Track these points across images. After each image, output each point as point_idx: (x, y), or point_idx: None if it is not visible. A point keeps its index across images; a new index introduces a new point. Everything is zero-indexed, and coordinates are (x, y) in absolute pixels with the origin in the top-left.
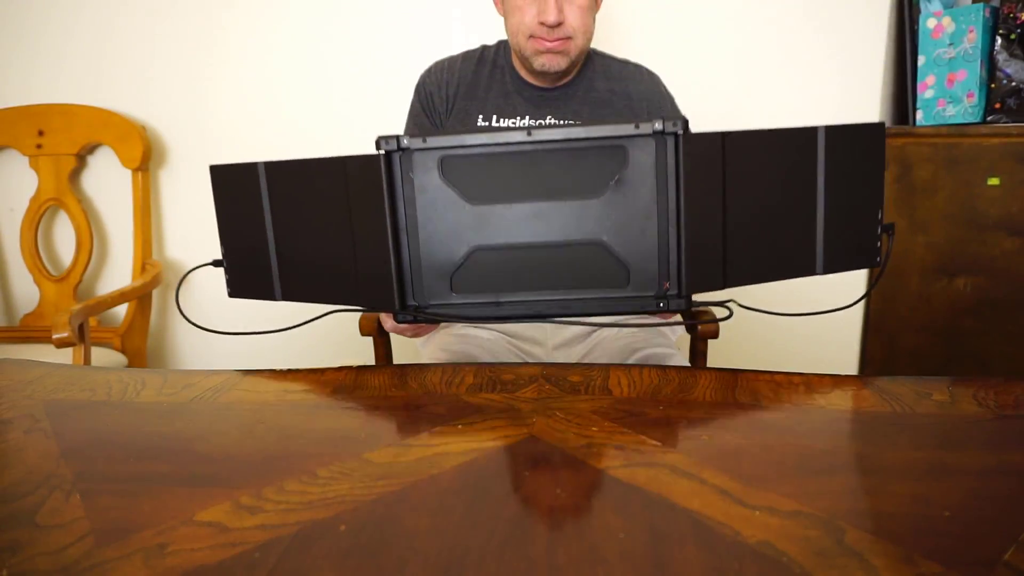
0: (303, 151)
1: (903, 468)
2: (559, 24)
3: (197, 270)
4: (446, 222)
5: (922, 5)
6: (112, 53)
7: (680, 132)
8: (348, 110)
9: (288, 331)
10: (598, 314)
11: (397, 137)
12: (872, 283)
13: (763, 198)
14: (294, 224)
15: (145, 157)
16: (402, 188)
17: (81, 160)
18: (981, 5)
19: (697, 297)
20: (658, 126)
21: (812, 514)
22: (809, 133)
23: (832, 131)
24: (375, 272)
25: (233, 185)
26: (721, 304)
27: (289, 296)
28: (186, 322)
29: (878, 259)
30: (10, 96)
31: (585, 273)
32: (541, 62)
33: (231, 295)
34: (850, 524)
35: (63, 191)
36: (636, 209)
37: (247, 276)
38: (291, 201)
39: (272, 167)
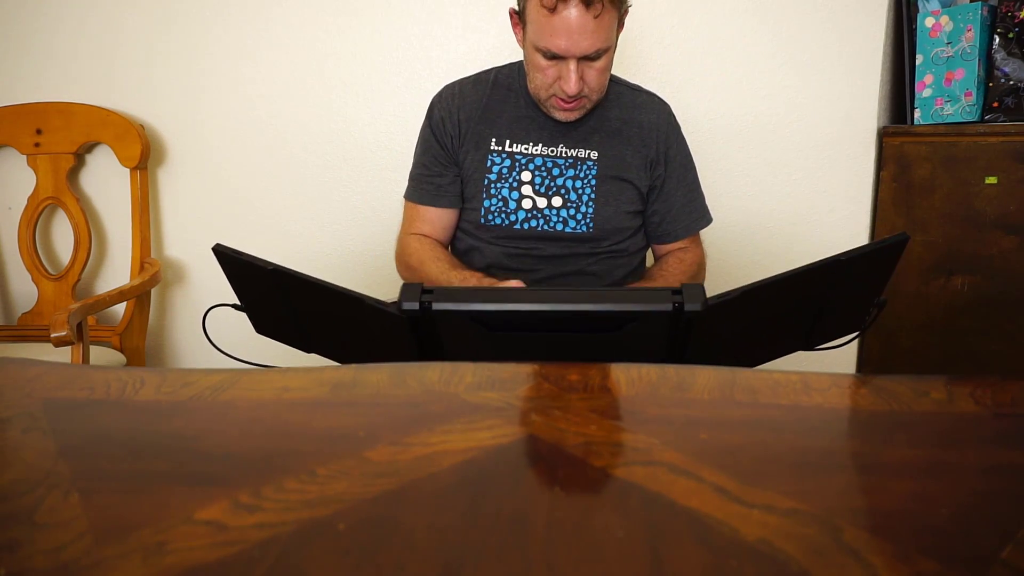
0: (303, 151)
1: (901, 466)
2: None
3: (217, 307)
4: (468, 343)
5: (920, 4)
6: (111, 52)
7: (700, 309)
8: (348, 110)
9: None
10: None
11: (421, 301)
12: (865, 326)
13: (772, 323)
14: (315, 318)
15: (144, 156)
16: (428, 333)
17: (79, 159)
18: (979, 4)
19: None
20: (676, 301)
21: (810, 512)
22: (832, 268)
23: (855, 259)
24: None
25: (240, 270)
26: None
27: (315, 351)
28: (186, 322)
29: (863, 325)
30: (8, 94)
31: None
32: (558, 116)
33: (257, 332)
34: (848, 522)
35: (61, 190)
36: (646, 345)
37: (272, 326)
38: (308, 303)
39: (282, 278)
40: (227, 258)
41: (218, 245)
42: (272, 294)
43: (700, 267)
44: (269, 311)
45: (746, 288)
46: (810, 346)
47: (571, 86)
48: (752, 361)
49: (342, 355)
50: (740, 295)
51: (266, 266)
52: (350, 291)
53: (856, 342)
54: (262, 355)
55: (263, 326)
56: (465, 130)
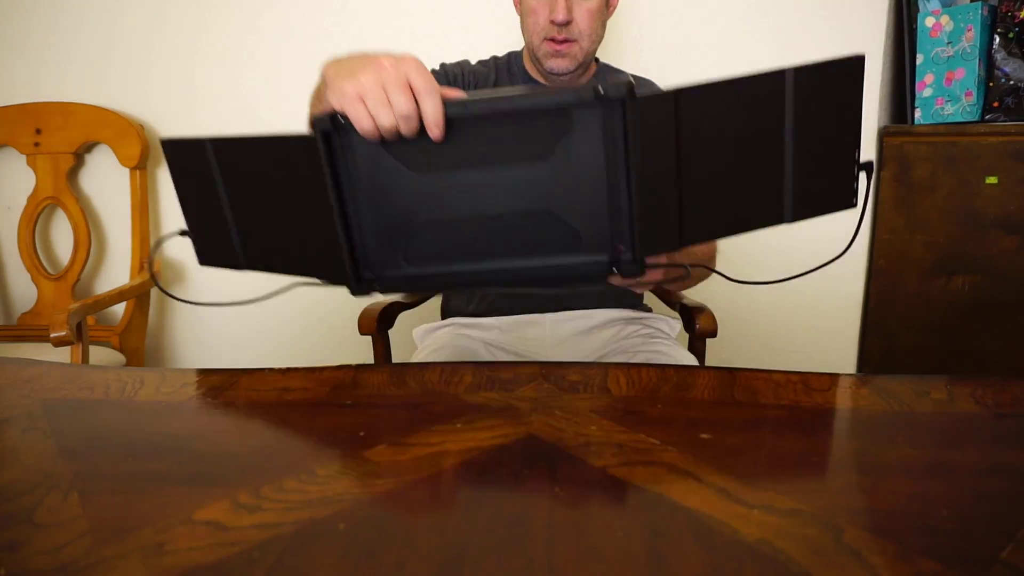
0: None
1: (901, 466)
2: (568, 23)
3: (171, 239)
4: (393, 194)
5: (920, 4)
6: (110, 51)
7: (624, 97)
8: None
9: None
10: (551, 282)
11: (332, 116)
12: (856, 228)
13: (723, 151)
14: (248, 197)
15: (143, 155)
16: (344, 164)
17: (79, 158)
18: (979, 4)
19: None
20: (600, 91)
21: (810, 512)
22: (776, 78)
23: (803, 73)
24: (328, 246)
25: (186, 159)
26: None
27: (253, 266)
28: (185, 322)
29: (854, 200)
30: (8, 94)
31: (537, 240)
32: (550, 65)
33: (201, 263)
34: (848, 522)
35: (61, 189)
36: (584, 174)
37: (212, 245)
38: (242, 176)
39: (220, 144)
40: (173, 146)
41: (165, 138)
42: (209, 186)
43: (710, 257)
44: (207, 216)
45: (680, 88)
46: (793, 216)
47: (560, 13)
48: (721, 229)
49: (280, 253)
50: (673, 93)
51: (204, 140)
52: (274, 135)
53: (856, 341)
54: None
55: (205, 247)
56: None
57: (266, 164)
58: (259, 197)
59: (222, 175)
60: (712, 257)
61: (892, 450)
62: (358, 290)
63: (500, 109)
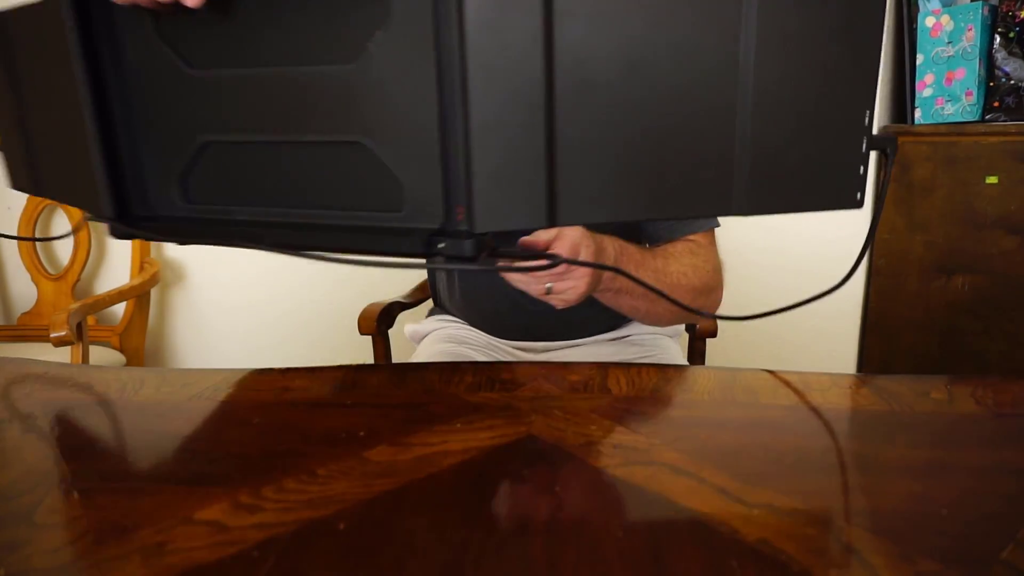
0: None
1: (901, 466)
2: None
3: None
4: (168, 98)
5: (920, 3)
6: None
7: None
8: None
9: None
10: (360, 250)
11: None
12: (864, 247)
13: (631, 78)
14: (24, 91)
15: None
16: (106, 48)
17: None
18: (980, 3)
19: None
20: None
21: (810, 512)
22: None
23: None
24: (86, 167)
25: None
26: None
27: (35, 190)
28: (185, 322)
29: (859, 196)
30: None
31: (348, 188)
32: None
33: (12, 186)
34: (848, 522)
35: None
36: (407, 93)
37: (14, 163)
38: (12, 62)
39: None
40: None
41: None
42: (9, 83)
43: (716, 270)
44: (8, 121)
45: None
46: (750, 207)
47: None
48: (618, 206)
49: (51, 186)
50: None
51: None
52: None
53: (856, 341)
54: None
55: (12, 166)
56: None
57: (29, 45)
58: (31, 92)
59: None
60: (695, 288)
61: (892, 450)
62: (118, 230)
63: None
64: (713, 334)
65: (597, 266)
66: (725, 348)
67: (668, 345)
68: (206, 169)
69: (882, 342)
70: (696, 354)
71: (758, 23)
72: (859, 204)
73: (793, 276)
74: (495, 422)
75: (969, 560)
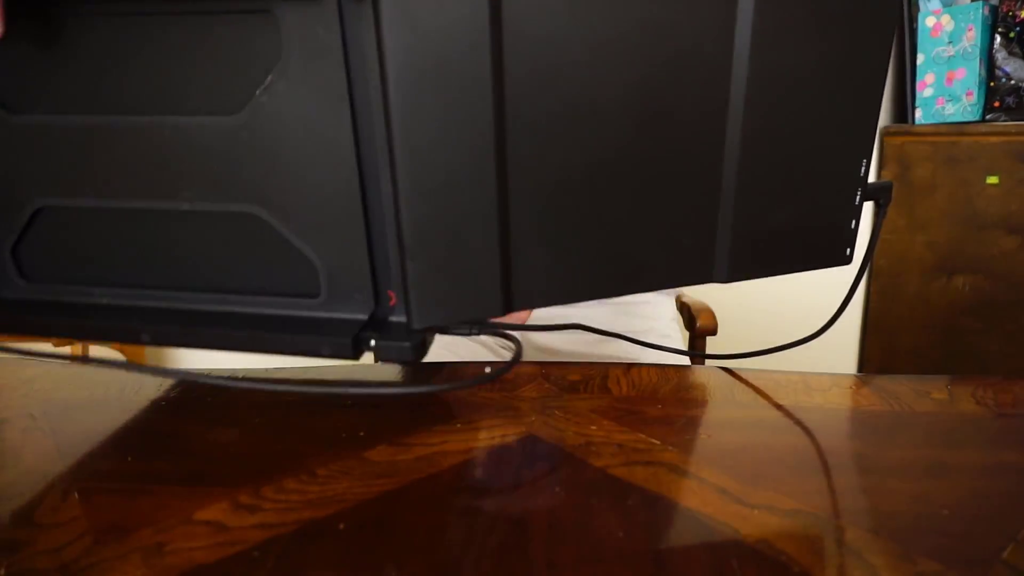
0: None
1: (902, 466)
2: None
3: None
4: None
5: (921, 3)
6: None
7: None
8: None
9: None
10: (266, 350)
11: None
12: (853, 285)
13: (596, 118)
14: None
15: None
16: None
17: None
18: (980, 3)
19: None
20: None
21: (811, 513)
22: None
23: None
24: None
25: None
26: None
27: None
28: None
29: (849, 250)
30: None
31: (249, 266)
32: None
33: None
34: (849, 523)
35: None
36: (314, 148)
37: None
38: None
39: None
40: None
41: None
42: None
43: None
44: None
45: None
46: (730, 273)
47: None
48: (586, 285)
49: None
50: None
51: None
52: None
53: (857, 341)
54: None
55: None
56: None
57: None
58: None
59: None
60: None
61: (893, 450)
62: None
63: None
64: (713, 332)
65: (554, 328)
66: (725, 347)
67: (663, 312)
68: (46, 239)
69: (882, 342)
70: (696, 352)
71: (750, 58)
72: (847, 260)
73: (792, 280)
74: (495, 422)
75: (970, 560)
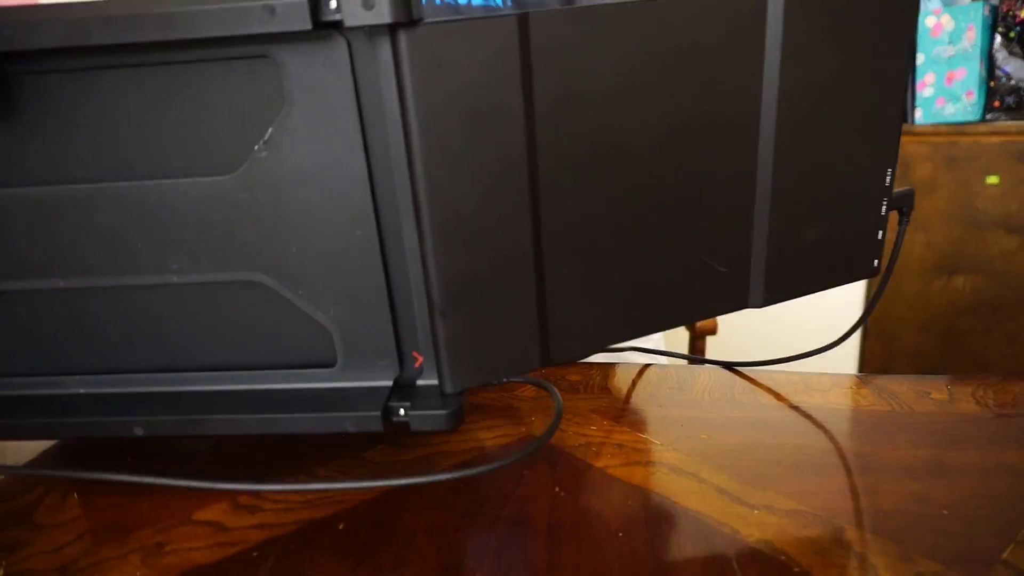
0: None
1: (902, 466)
2: None
3: None
4: None
5: (921, 3)
6: None
7: (396, 15)
8: None
9: None
10: (281, 430)
11: None
12: (873, 300)
13: (631, 158)
14: None
15: None
16: None
17: None
18: (980, 3)
19: None
20: (333, 4)
21: (811, 513)
22: None
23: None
24: None
25: None
26: None
27: None
28: None
29: (876, 261)
30: None
31: (254, 338)
32: None
33: None
34: (849, 523)
35: None
36: (323, 207)
37: None
38: None
39: None
40: None
41: None
42: None
43: None
44: None
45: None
46: (767, 296)
47: None
48: (626, 328)
49: None
50: (516, 17)
51: None
52: None
53: (857, 341)
54: None
55: None
56: None
57: None
58: None
59: None
60: None
61: (893, 450)
62: None
63: (94, 38)
64: (712, 332)
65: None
66: (725, 347)
67: None
68: (9, 326)
69: (882, 342)
70: (696, 352)
71: (780, 73)
72: (876, 272)
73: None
74: (495, 422)
75: (970, 560)
